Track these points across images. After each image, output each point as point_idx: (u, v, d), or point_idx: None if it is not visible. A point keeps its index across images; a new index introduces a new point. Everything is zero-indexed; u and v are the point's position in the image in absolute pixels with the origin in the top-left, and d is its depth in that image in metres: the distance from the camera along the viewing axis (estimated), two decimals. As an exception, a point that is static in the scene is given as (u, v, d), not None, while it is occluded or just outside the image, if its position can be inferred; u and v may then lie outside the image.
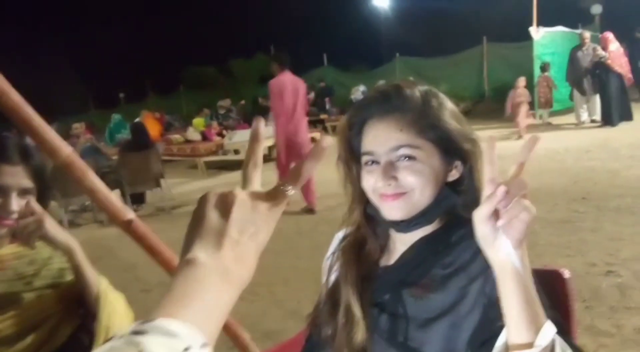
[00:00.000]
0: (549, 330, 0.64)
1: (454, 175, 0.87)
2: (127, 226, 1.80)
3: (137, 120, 8.65)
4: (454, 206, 0.87)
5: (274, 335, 2.60)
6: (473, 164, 0.86)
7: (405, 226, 0.87)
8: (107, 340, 0.40)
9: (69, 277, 1.31)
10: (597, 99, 8.67)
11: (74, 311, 1.32)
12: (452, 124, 0.85)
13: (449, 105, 0.87)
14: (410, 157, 0.83)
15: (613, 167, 5.31)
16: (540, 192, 4.68)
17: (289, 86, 5.21)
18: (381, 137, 0.85)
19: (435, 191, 0.85)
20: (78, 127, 7.35)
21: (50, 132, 0.81)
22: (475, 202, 0.83)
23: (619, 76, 8.21)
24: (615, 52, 8.19)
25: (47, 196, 1.23)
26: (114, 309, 1.33)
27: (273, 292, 3.23)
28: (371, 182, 0.86)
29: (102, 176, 6.17)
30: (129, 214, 1.80)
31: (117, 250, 4.40)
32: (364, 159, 0.88)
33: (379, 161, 0.85)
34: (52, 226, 1.16)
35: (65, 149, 1.56)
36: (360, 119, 0.89)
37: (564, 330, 0.69)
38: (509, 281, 0.64)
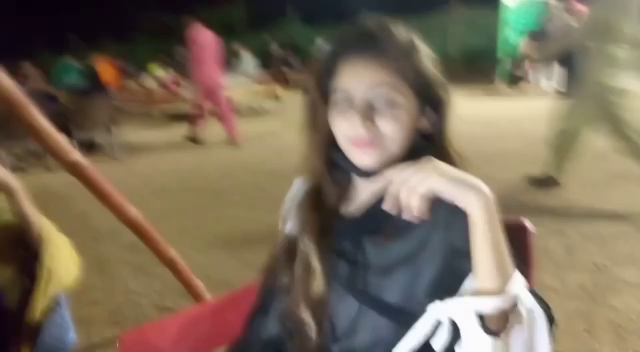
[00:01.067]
0: (517, 279, 0.63)
1: (423, 122, 0.82)
2: (73, 167, 1.71)
3: (91, 65, 8.17)
4: (423, 155, 0.83)
5: (230, 285, 2.57)
6: (444, 112, 0.83)
7: (373, 173, 0.82)
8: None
9: (7, 216, 1.21)
10: (557, 66, 8.80)
11: (14, 252, 1.23)
12: (432, 69, 0.80)
13: (428, 51, 0.83)
14: (390, 101, 0.77)
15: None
16: (498, 155, 4.80)
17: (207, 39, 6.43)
18: (359, 74, 0.77)
19: (406, 139, 0.80)
20: (27, 66, 6.87)
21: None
22: (443, 152, 0.82)
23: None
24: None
25: None
26: (57, 250, 1.25)
27: (230, 244, 3.20)
28: (345, 125, 0.79)
29: (49, 119, 5.88)
30: (75, 154, 1.70)
31: (66, 197, 4.22)
32: (336, 98, 0.80)
33: (353, 101, 0.78)
34: None
35: (5, 80, 1.41)
36: (335, 54, 0.81)
37: (527, 281, 0.69)
38: (479, 227, 0.65)
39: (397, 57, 0.78)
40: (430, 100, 0.80)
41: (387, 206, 0.65)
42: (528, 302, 0.64)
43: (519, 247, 0.95)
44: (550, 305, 0.70)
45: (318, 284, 0.82)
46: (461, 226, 0.73)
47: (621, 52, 3.20)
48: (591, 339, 1.92)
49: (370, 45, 0.78)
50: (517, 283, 0.63)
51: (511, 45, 9.85)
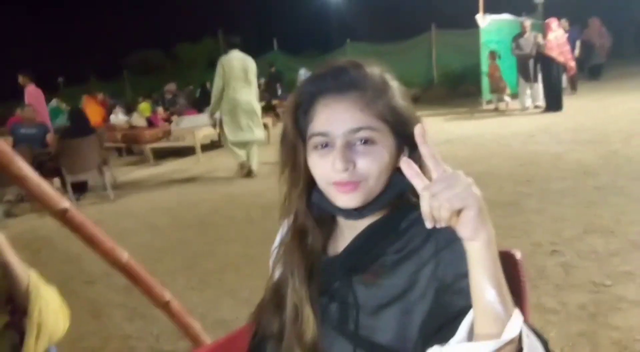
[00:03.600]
0: (517, 316, 0.62)
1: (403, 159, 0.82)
2: (62, 216, 1.68)
3: (78, 106, 8.21)
4: (404, 190, 0.82)
5: (226, 324, 2.53)
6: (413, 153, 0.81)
7: (357, 214, 0.81)
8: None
9: (-6, 271, 1.19)
10: (539, 85, 8.98)
11: (1, 307, 1.20)
12: (405, 105, 0.80)
13: (400, 86, 0.83)
14: (369, 141, 0.77)
15: (556, 151, 5.52)
16: (488, 176, 4.81)
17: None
18: (338, 117, 0.77)
19: (387, 177, 0.80)
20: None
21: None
22: None
23: (557, 64, 8.48)
24: (552, 41, 8.44)
25: None
26: (46, 304, 1.22)
27: (224, 281, 3.15)
28: (325, 167, 0.78)
29: (40, 165, 5.84)
30: (63, 202, 1.67)
31: (58, 241, 4.17)
32: (315, 141, 0.79)
33: (333, 144, 0.77)
34: None
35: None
36: (310, 96, 0.81)
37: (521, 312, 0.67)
38: (477, 276, 0.62)
39: (373, 97, 0.78)
40: (406, 137, 0.79)
41: (424, 216, 0.62)
42: (529, 340, 0.63)
43: (510, 278, 0.95)
44: (547, 339, 0.68)
45: (310, 328, 0.80)
46: (451, 259, 0.73)
47: None
48: (596, 362, 1.89)
49: (345, 86, 0.78)
50: (518, 321, 0.62)
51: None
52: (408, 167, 0.63)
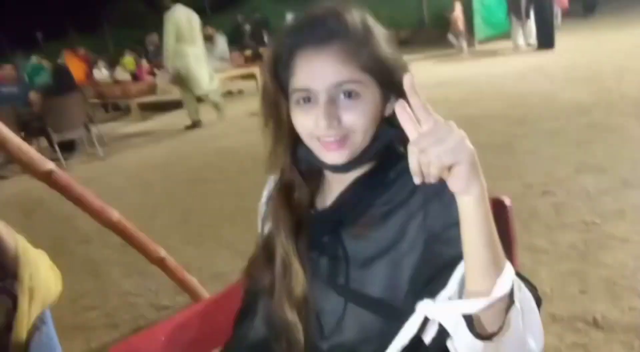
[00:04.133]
0: (508, 269, 0.61)
1: (389, 109, 0.78)
2: (48, 177, 1.65)
3: (59, 61, 7.98)
4: (391, 141, 0.80)
5: (223, 277, 2.56)
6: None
7: (344, 167, 0.79)
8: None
9: (-20, 238, 1.16)
10: (532, 22, 8.78)
11: (-11, 274, 1.19)
12: (390, 53, 0.76)
13: (384, 31, 0.78)
14: (353, 94, 0.73)
15: (548, 90, 5.47)
16: (481, 118, 4.78)
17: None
18: (319, 71, 0.73)
19: (373, 129, 0.77)
20: (5, 69, 6.65)
21: None
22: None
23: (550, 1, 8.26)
24: None
25: None
26: (37, 268, 1.21)
27: (220, 234, 3.17)
28: (309, 124, 0.75)
29: (25, 124, 5.74)
30: (47, 164, 1.64)
31: (51, 201, 4.14)
32: (297, 95, 0.76)
33: (316, 99, 0.74)
34: None
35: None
36: (290, 49, 0.76)
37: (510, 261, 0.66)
38: (469, 229, 0.60)
39: (355, 48, 0.73)
40: (393, 86, 0.75)
41: (412, 173, 0.59)
42: (520, 293, 0.62)
43: (499, 225, 0.94)
44: (535, 285, 0.68)
45: (300, 282, 0.80)
46: (439, 210, 0.72)
47: None
48: (587, 300, 1.93)
49: (325, 36, 0.73)
50: (509, 276, 0.61)
51: (484, 5, 9.80)
52: (402, 110, 0.59)
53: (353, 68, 0.73)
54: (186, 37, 5.61)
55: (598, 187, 2.88)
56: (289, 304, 0.80)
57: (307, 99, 0.75)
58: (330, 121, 0.73)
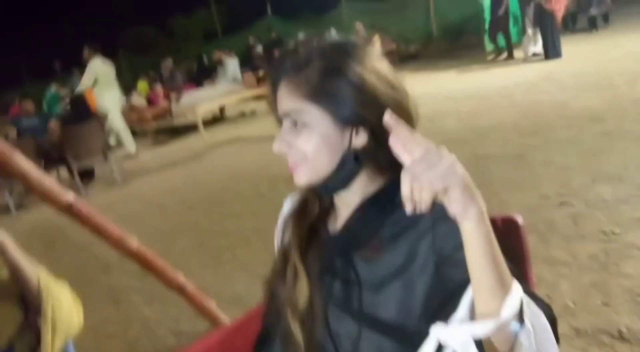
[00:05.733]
0: (516, 289, 0.61)
1: (361, 138, 0.79)
2: (69, 209, 1.69)
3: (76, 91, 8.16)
4: (354, 170, 0.81)
5: (242, 300, 2.57)
6: (375, 129, 0.77)
7: (321, 190, 0.85)
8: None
9: (4, 273, 1.20)
10: (538, 31, 8.78)
11: (14, 308, 1.22)
12: (348, 89, 0.76)
13: (357, 66, 0.77)
14: (299, 123, 0.79)
15: (560, 99, 5.42)
16: (493, 129, 4.76)
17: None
18: (279, 102, 0.81)
19: (335, 156, 0.79)
20: (28, 103, 6.87)
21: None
22: (381, 169, 0.82)
23: (551, 12, 8.24)
24: None
25: None
26: (59, 301, 1.24)
27: (236, 256, 3.19)
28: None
29: (45, 154, 5.87)
30: (68, 195, 1.68)
31: (71, 230, 4.20)
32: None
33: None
34: None
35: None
36: (270, 81, 0.85)
37: (521, 279, 0.66)
38: (471, 253, 0.61)
39: (302, 80, 0.78)
40: (353, 118, 0.78)
41: (404, 200, 0.60)
42: (529, 310, 0.63)
43: (512, 244, 0.94)
44: (550, 304, 0.68)
45: (303, 294, 0.82)
46: (448, 231, 0.72)
47: None
48: (610, 311, 1.90)
49: (284, 69, 0.80)
50: (517, 296, 0.61)
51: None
52: (394, 144, 0.62)
53: (297, 99, 0.78)
54: (102, 82, 6.72)
55: (616, 196, 2.84)
56: (292, 314, 0.82)
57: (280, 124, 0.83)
58: (280, 146, 0.81)
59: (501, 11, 9.25)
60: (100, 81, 6.82)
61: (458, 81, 8.21)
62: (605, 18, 10.64)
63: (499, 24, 9.48)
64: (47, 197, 1.64)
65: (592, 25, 10.40)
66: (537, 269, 2.28)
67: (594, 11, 10.20)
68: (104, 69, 6.87)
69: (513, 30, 9.63)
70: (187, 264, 3.22)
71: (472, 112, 5.72)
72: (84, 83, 6.90)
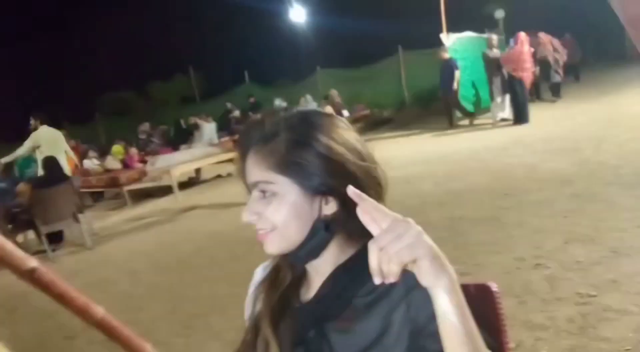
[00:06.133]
0: None
1: (331, 208, 0.79)
2: (30, 276, 1.62)
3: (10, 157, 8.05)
4: (324, 239, 0.81)
5: (213, 371, 2.45)
6: (345, 197, 0.72)
7: (290, 259, 0.84)
8: None
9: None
10: (506, 98, 9.22)
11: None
12: (315, 160, 0.77)
13: (323, 137, 0.78)
14: (267, 193, 0.79)
15: (530, 162, 5.61)
16: (467, 192, 4.85)
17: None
18: (247, 171, 0.82)
19: (304, 226, 0.79)
20: None
21: None
22: (349, 237, 0.82)
23: (517, 78, 8.68)
24: (509, 55, 8.73)
25: None
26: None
27: (210, 324, 3.07)
28: None
29: (13, 217, 5.70)
30: (30, 261, 1.62)
31: (34, 296, 3.96)
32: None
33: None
34: None
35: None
36: (239, 151, 0.85)
37: (496, 348, 0.66)
38: (444, 324, 0.61)
39: (270, 151, 0.79)
40: (321, 188, 0.78)
41: (371, 271, 0.60)
42: None
43: (487, 312, 0.93)
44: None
45: None
46: (422, 300, 0.70)
47: None
48: (590, 377, 1.87)
49: (251, 141, 0.81)
50: None
51: (463, 84, 10.31)
52: (362, 214, 0.63)
53: (266, 170, 0.78)
54: (45, 151, 6.73)
55: (589, 258, 2.88)
56: None
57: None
58: (249, 215, 0.80)
59: (454, 86, 9.68)
60: (43, 149, 6.92)
61: (431, 145, 8.44)
62: (557, 89, 11.03)
63: (452, 100, 9.90)
64: (8, 264, 1.58)
65: (555, 92, 10.96)
66: (515, 334, 2.25)
67: (556, 78, 10.75)
68: (47, 138, 6.98)
69: (482, 95, 10.09)
70: (158, 331, 3.08)
71: (446, 175, 5.84)
72: (20, 150, 7.07)
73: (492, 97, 9.66)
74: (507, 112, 9.33)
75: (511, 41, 9.07)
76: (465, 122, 10.25)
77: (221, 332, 2.89)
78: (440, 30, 9.98)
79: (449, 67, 9.69)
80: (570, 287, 2.59)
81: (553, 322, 2.30)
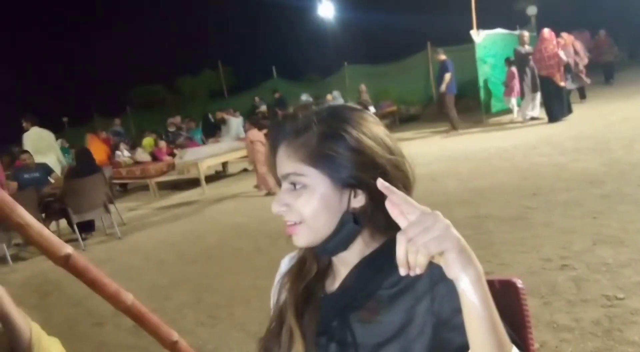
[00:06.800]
0: None
1: (360, 200, 0.81)
2: (65, 262, 1.68)
3: (83, 145, 8.33)
4: (353, 231, 0.82)
5: (236, 360, 2.50)
6: (373, 191, 0.76)
7: (318, 251, 0.85)
8: None
9: (-6, 325, 1.18)
10: (537, 96, 9.03)
11: (4, 362, 1.19)
12: (346, 152, 0.78)
13: (354, 130, 0.79)
14: (297, 185, 0.80)
15: (559, 161, 5.50)
16: (493, 191, 4.79)
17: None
18: (278, 164, 0.83)
19: (333, 218, 0.80)
20: (27, 157, 6.98)
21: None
22: (377, 231, 0.83)
23: (547, 76, 8.47)
24: (539, 53, 8.53)
25: None
26: (49, 357, 1.21)
27: (233, 315, 3.12)
28: None
29: (46, 206, 5.89)
30: (66, 248, 1.68)
31: (66, 283, 4.16)
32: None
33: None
34: None
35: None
36: (270, 144, 0.87)
37: (520, 346, 0.66)
38: (469, 316, 0.61)
39: (301, 143, 0.80)
40: (351, 181, 0.79)
41: (398, 263, 0.61)
42: None
43: (511, 308, 0.93)
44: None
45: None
46: (446, 293, 0.72)
47: None
48: (614, 380, 1.84)
49: (283, 133, 0.83)
50: None
51: (487, 79, 10.16)
52: (391, 207, 0.64)
53: (296, 162, 0.80)
54: (35, 150, 7.02)
55: (617, 260, 2.82)
56: None
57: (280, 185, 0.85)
58: (279, 206, 0.81)
59: (442, 88, 9.57)
60: (30, 150, 7.32)
61: (457, 143, 8.34)
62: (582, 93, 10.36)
63: (442, 101, 9.81)
64: (45, 250, 1.65)
65: (581, 95, 10.42)
66: (539, 334, 2.23)
67: (572, 85, 9.81)
68: (33, 139, 7.35)
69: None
70: (183, 320, 3.15)
71: (472, 173, 5.78)
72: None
73: (522, 96, 9.48)
74: (537, 111, 9.15)
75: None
76: (497, 119, 10.09)
77: (245, 323, 2.94)
78: (471, 27, 9.83)
79: (442, 69, 9.71)
80: (597, 289, 2.54)
81: (578, 324, 2.27)
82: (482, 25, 9.98)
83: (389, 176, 0.77)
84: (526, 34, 9.44)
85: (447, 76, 9.46)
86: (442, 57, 9.72)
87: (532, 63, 8.81)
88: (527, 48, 9.03)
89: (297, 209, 0.80)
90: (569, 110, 8.63)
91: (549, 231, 3.50)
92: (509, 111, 10.08)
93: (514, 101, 9.69)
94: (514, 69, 9.40)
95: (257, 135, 7.14)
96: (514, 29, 11.49)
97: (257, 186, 7.16)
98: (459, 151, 7.36)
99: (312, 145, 0.79)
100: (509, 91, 9.65)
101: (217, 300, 3.43)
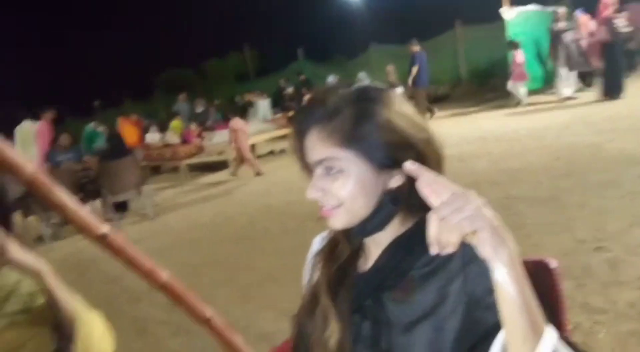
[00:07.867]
0: (550, 334, 0.60)
1: (397, 181, 0.80)
2: (102, 241, 1.73)
3: (114, 128, 8.50)
4: (392, 212, 0.82)
5: (268, 337, 2.55)
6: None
7: (356, 232, 0.84)
8: None
9: (40, 300, 1.23)
10: (572, 74, 8.75)
11: (49, 335, 1.24)
12: (379, 133, 0.77)
13: (384, 110, 0.79)
14: (334, 169, 0.79)
15: (594, 141, 5.34)
16: (525, 171, 4.70)
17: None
18: (309, 149, 0.81)
19: (371, 200, 0.80)
20: (65, 138, 7.18)
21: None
22: (415, 211, 0.82)
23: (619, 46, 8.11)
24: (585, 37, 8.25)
25: (9, 220, 1.15)
26: (91, 330, 1.26)
27: (264, 293, 3.18)
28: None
29: (82, 187, 6.06)
30: (103, 227, 1.73)
31: (102, 261, 4.30)
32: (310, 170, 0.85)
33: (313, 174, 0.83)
34: (16, 250, 1.08)
35: (29, 165, 1.48)
36: (298, 129, 0.85)
37: (555, 325, 0.65)
38: (502, 296, 0.61)
39: (335, 127, 0.79)
40: (388, 162, 0.78)
41: (430, 241, 0.62)
42: None
43: (545, 289, 0.92)
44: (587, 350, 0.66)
45: (334, 338, 0.81)
46: (479, 273, 0.72)
47: None
48: (651, 362, 1.81)
49: (313, 117, 0.81)
50: (550, 341, 0.60)
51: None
52: (424, 187, 0.64)
53: (331, 146, 0.78)
54: (25, 142, 7.27)
55: (655, 242, 2.75)
56: None
57: (312, 172, 0.83)
58: (315, 192, 0.81)
59: (409, 80, 9.70)
60: (20, 142, 7.58)
61: (487, 123, 8.19)
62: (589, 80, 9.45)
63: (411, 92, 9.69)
64: (83, 228, 1.70)
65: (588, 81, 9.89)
66: (573, 316, 2.20)
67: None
68: (20, 131, 7.65)
69: (539, 72, 9.58)
70: (215, 298, 3.22)
71: (502, 153, 5.68)
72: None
73: (556, 73, 9.17)
74: (571, 90, 8.86)
75: (577, 12, 8.56)
76: (528, 99, 9.84)
77: (275, 301, 2.99)
78: (501, 4, 9.54)
79: (411, 62, 9.88)
80: (633, 272, 2.49)
81: (613, 306, 2.23)
82: (515, 2, 9.67)
83: (422, 154, 0.77)
84: (562, 9, 9.09)
85: (414, 70, 9.75)
86: (415, 48, 9.84)
87: (566, 40, 8.51)
88: (562, 24, 8.72)
89: (334, 192, 0.79)
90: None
91: (583, 212, 3.42)
92: (539, 91, 9.79)
93: (520, 89, 9.31)
94: (517, 52, 9.09)
95: (240, 124, 7.63)
96: (547, 5, 11.10)
97: (234, 174, 7.60)
98: (489, 131, 7.23)
99: (345, 129, 0.78)
100: (518, 76, 9.26)
101: (248, 279, 3.49)
